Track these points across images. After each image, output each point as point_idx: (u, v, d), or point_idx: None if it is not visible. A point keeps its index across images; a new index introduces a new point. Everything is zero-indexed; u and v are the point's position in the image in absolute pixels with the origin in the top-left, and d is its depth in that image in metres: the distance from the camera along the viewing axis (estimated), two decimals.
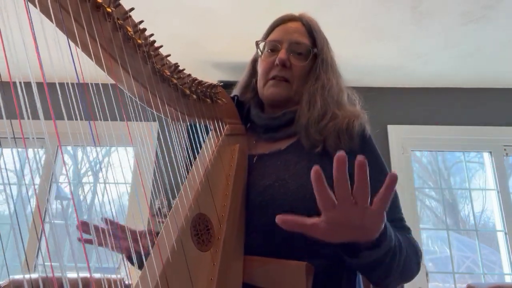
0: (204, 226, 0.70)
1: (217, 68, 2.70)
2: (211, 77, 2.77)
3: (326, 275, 0.73)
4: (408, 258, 0.69)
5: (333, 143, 0.79)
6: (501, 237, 2.62)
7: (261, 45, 0.94)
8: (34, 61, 0.48)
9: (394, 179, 0.51)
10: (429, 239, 3.23)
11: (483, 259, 2.64)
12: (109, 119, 0.63)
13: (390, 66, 2.60)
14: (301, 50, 0.89)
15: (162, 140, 0.76)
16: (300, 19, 0.93)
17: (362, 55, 2.48)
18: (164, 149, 0.75)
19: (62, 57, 0.50)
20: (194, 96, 0.81)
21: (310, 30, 0.91)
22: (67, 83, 0.55)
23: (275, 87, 0.88)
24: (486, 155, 2.80)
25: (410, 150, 2.75)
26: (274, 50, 0.90)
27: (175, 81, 0.76)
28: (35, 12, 0.54)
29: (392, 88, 2.85)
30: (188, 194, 0.71)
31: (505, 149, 2.74)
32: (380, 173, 0.78)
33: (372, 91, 2.90)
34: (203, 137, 0.86)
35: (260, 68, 0.93)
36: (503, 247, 2.59)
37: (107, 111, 0.61)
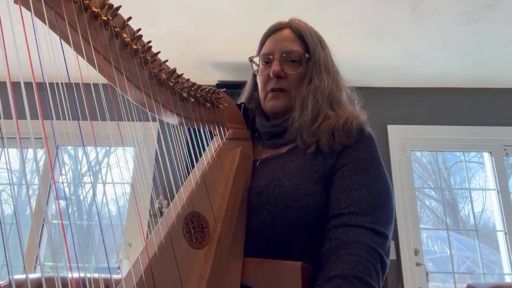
0: (198, 224, 0.69)
1: (217, 68, 2.70)
2: (211, 77, 2.77)
3: None
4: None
5: (327, 141, 0.78)
6: (501, 237, 2.63)
7: (256, 60, 0.94)
8: (36, 61, 0.48)
9: None
10: (429, 239, 3.23)
11: (483, 259, 2.64)
12: (107, 119, 0.64)
13: (390, 66, 2.60)
14: (293, 58, 0.88)
15: (162, 140, 0.77)
16: (289, 25, 0.91)
17: (362, 55, 2.47)
18: (164, 149, 0.75)
19: (58, 57, 0.50)
20: (192, 100, 0.81)
21: (300, 35, 0.89)
22: (65, 83, 0.55)
23: (274, 100, 0.89)
24: (486, 155, 2.81)
25: (410, 150, 2.75)
26: (268, 62, 0.90)
27: (171, 84, 0.76)
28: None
29: (392, 88, 2.85)
30: (182, 195, 0.71)
31: (505, 149, 2.74)
32: (367, 173, 0.75)
33: (372, 91, 2.90)
34: (207, 142, 0.85)
35: (258, 83, 0.94)
36: (503, 247, 2.60)
37: (106, 111, 0.62)
